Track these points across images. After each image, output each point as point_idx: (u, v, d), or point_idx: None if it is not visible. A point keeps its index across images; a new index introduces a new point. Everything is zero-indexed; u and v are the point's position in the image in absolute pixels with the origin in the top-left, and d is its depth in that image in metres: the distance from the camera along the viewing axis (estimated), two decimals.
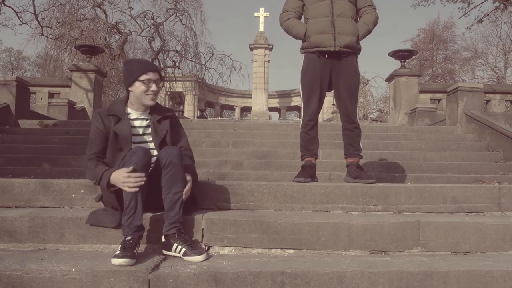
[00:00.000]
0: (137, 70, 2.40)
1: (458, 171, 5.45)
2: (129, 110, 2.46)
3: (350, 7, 3.36)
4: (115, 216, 2.27)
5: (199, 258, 2.07)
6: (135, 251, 2.04)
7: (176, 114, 2.70)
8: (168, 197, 2.20)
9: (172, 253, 2.15)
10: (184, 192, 2.25)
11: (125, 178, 2.11)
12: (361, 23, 3.38)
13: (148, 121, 2.48)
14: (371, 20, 3.39)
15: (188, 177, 2.33)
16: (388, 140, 6.53)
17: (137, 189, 2.11)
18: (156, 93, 2.44)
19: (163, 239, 2.20)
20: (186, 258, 2.09)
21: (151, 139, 2.46)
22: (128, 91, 2.45)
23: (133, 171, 2.12)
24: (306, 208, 2.70)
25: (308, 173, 3.34)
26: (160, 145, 2.42)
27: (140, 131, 2.46)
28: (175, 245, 2.13)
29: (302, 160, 3.46)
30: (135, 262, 1.97)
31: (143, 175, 2.13)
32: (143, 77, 2.39)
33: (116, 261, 1.94)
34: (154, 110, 2.51)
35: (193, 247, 2.12)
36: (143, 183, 2.13)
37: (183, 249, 2.10)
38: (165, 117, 2.50)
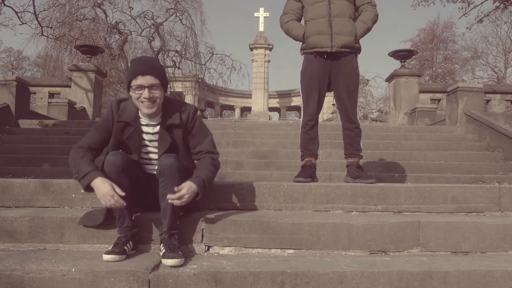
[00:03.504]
0: (129, 75, 2.22)
1: (458, 171, 5.45)
2: (140, 114, 2.30)
3: (348, 6, 3.35)
4: (100, 215, 2.26)
5: (169, 262, 1.96)
6: (125, 247, 2.10)
7: None
8: (162, 205, 2.17)
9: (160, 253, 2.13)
10: (173, 202, 2.08)
11: (108, 195, 2.05)
12: (359, 22, 3.37)
13: (157, 127, 2.31)
14: (370, 18, 3.37)
15: (183, 191, 2.07)
16: (388, 140, 6.53)
17: (109, 206, 2.09)
18: (150, 100, 2.18)
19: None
20: (162, 259, 2.03)
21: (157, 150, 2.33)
22: None
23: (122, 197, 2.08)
24: (306, 208, 2.70)
25: (308, 173, 3.34)
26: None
27: (148, 138, 2.33)
28: (162, 246, 2.13)
29: (302, 160, 3.46)
30: (125, 258, 2.05)
31: (124, 203, 2.09)
32: (132, 83, 2.19)
33: (105, 257, 2.01)
34: (166, 114, 2.28)
35: (174, 251, 2.03)
36: (121, 206, 2.10)
37: (163, 250, 2.07)
38: (177, 125, 2.27)
